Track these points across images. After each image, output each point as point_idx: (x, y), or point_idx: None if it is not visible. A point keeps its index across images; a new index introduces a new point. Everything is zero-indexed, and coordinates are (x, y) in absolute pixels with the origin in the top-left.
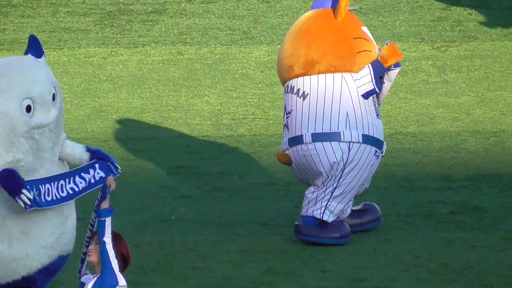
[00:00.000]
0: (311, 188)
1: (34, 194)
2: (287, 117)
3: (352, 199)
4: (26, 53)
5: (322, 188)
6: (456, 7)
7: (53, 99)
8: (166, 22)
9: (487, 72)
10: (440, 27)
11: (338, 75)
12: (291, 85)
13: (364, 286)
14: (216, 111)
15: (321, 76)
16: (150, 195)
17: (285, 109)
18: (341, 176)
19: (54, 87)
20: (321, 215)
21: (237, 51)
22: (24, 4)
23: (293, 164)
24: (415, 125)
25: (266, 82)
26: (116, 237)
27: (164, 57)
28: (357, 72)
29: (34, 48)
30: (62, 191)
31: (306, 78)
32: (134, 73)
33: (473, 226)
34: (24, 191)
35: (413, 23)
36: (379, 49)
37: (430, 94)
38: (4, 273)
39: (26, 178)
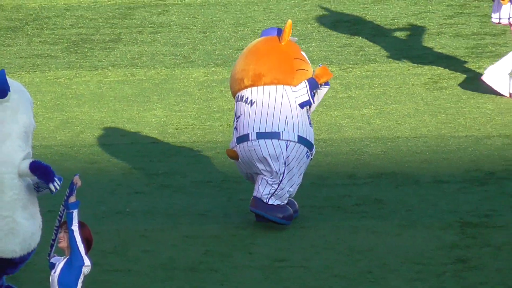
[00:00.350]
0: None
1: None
2: (236, 121)
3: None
4: None
5: (272, 178)
6: (359, 36)
7: None
8: (121, 49)
9: (384, 89)
10: (346, 52)
11: (280, 87)
12: (241, 95)
13: (284, 265)
14: (162, 122)
15: (266, 87)
16: (108, 192)
17: (235, 115)
18: (284, 170)
19: None
20: (267, 199)
21: (179, 72)
22: (4, 35)
23: (239, 159)
24: (326, 133)
25: (203, 98)
26: (81, 225)
27: (120, 78)
28: (295, 85)
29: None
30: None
31: (254, 88)
32: (95, 92)
33: (374, 216)
34: (55, 178)
35: (324, 49)
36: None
37: (338, 107)
38: (26, 246)
39: None
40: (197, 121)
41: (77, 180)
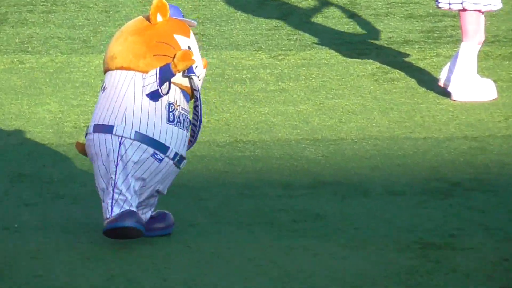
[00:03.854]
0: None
1: None
2: None
3: (149, 206)
4: None
5: (107, 182)
6: (292, 16)
7: None
8: (7, 31)
9: (324, 81)
10: (276, 36)
11: (131, 73)
12: (102, 80)
13: None
14: (57, 119)
15: (118, 72)
16: None
17: None
18: (116, 170)
19: None
20: (110, 214)
21: (78, 60)
22: None
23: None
24: (255, 133)
25: None
26: None
27: (6, 66)
28: (148, 72)
29: None
30: None
31: (108, 73)
32: None
33: (314, 235)
34: None
35: (250, 32)
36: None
37: (268, 102)
38: None
39: None
40: None
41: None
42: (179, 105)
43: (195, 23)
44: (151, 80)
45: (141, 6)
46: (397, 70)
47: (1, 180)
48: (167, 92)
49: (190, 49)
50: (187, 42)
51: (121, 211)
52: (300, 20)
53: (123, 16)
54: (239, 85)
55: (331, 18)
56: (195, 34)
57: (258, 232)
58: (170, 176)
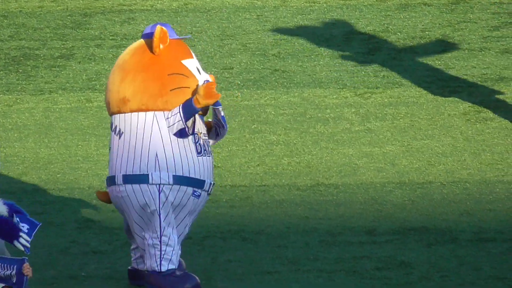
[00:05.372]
0: (140, 240)
1: None
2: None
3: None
4: None
5: (151, 236)
6: (380, 52)
7: None
8: (74, 67)
9: (412, 120)
10: (362, 72)
11: (150, 114)
12: (111, 122)
13: None
14: None
15: (134, 114)
16: (58, 250)
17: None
18: (160, 222)
19: None
20: (159, 267)
21: None
22: None
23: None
24: (338, 176)
25: None
26: None
27: (72, 104)
28: (170, 110)
29: None
30: None
31: (121, 115)
32: (41, 122)
33: (400, 283)
34: (20, 233)
35: (334, 69)
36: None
37: (353, 143)
38: None
39: None
40: None
41: (28, 270)
42: (201, 133)
43: (189, 35)
44: (176, 119)
45: (218, 41)
46: (491, 109)
47: (68, 227)
48: (193, 128)
49: (198, 71)
50: (193, 63)
51: (171, 267)
52: (388, 55)
53: (200, 50)
54: (321, 125)
55: (422, 54)
56: (275, 70)
57: (339, 281)
58: (201, 207)
